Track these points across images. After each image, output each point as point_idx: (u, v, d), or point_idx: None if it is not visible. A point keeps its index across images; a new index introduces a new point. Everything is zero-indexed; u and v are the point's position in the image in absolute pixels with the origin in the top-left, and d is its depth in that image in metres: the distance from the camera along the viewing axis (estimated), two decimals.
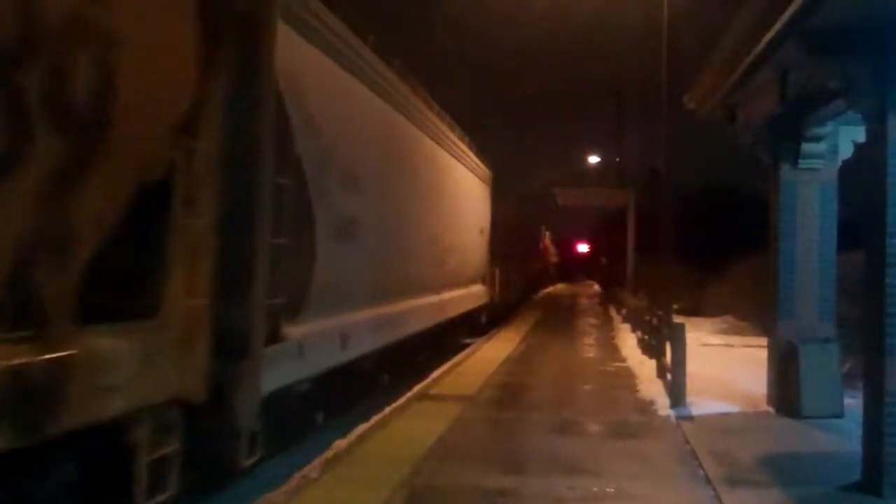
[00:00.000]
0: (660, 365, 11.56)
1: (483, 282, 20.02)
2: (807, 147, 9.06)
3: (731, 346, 15.67)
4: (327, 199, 7.88)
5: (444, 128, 14.87)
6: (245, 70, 5.21)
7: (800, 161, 9.15)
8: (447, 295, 15.18)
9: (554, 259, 58.43)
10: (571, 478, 6.52)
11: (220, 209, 4.96)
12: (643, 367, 12.83)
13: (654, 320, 12.96)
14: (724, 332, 18.18)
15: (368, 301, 9.75)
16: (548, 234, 52.52)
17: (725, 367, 12.48)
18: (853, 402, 8.32)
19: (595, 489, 6.22)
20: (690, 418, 8.87)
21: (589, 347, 16.87)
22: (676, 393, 9.52)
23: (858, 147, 8.76)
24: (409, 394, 10.35)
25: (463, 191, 17.43)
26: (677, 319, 11.44)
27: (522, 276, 31.21)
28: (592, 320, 24.98)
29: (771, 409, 9.29)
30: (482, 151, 19.68)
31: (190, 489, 5.14)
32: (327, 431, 8.46)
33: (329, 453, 7.18)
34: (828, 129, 8.93)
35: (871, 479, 6.14)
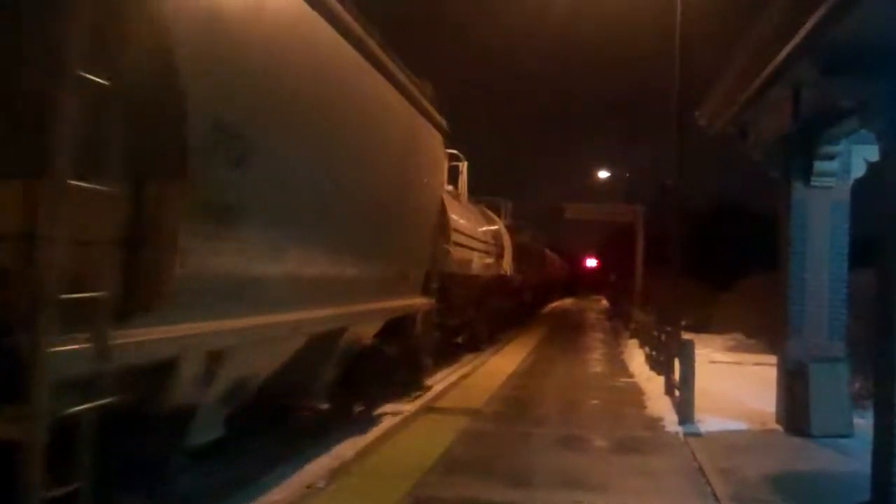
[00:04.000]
0: (668, 381, 11.51)
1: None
2: (819, 165, 9.03)
3: (740, 363, 15.58)
4: None
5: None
6: None
7: (812, 179, 9.12)
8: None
9: (562, 274, 58.30)
10: (577, 493, 6.49)
11: None
12: (651, 384, 12.77)
13: (663, 336, 12.92)
14: (733, 349, 18.09)
15: None
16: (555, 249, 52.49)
17: (734, 384, 12.41)
18: (862, 422, 8.28)
19: None
20: (698, 435, 8.82)
21: (596, 362, 16.82)
22: (684, 410, 9.47)
23: (871, 165, 8.74)
24: (415, 406, 10.34)
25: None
26: (686, 336, 11.38)
27: (529, 290, 31.16)
28: (600, 335, 24.92)
29: (780, 428, 9.23)
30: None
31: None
32: (332, 441, 8.46)
33: (335, 464, 7.17)
34: (840, 147, 8.90)
35: (879, 500, 6.08)
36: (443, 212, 13.34)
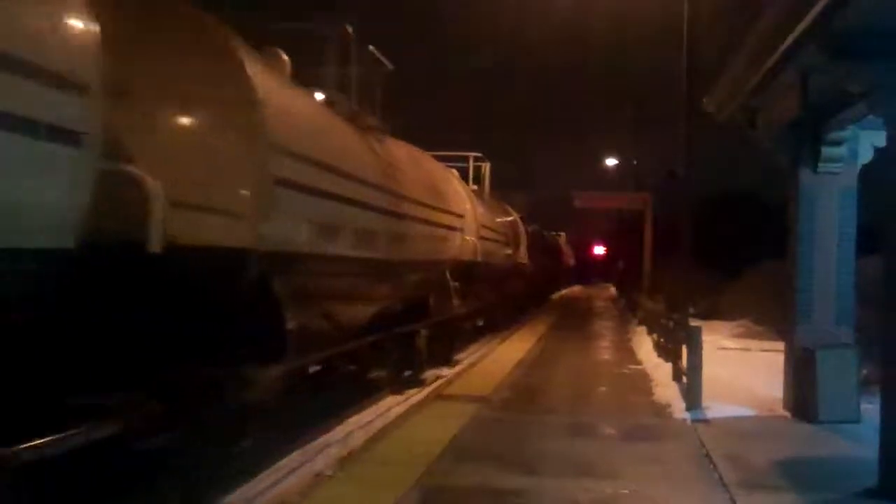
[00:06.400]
0: (676, 368, 11.52)
1: None
2: (827, 151, 9.00)
3: (748, 349, 15.56)
4: None
5: None
6: None
7: (819, 165, 9.09)
8: None
9: (570, 261, 58.23)
10: (586, 479, 6.51)
11: None
12: (659, 371, 12.78)
13: (671, 323, 12.92)
14: (741, 335, 18.05)
15: None
16: (563, 235, 52.51)
17: (742, 370, 12.39)
18: (870, 408, 8.26)
19: (609, 491, 6.22)
20: (706, 421, 8.84)
21: (604, 350, 16.84)
22: (692, 396, 9.48)
23: (879, 151, 8.70)
24: (424, 393, 10.38)
25: None
26: (694, 323, 11.38)
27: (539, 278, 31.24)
28: (608, 323, 24.93)
29: (787, 414, 9.25)
30: None
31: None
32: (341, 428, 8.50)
33: (344, 451, 7.20)
34: (848, 132, 8.87)
35: (887, 485, 6.10)
36: None
